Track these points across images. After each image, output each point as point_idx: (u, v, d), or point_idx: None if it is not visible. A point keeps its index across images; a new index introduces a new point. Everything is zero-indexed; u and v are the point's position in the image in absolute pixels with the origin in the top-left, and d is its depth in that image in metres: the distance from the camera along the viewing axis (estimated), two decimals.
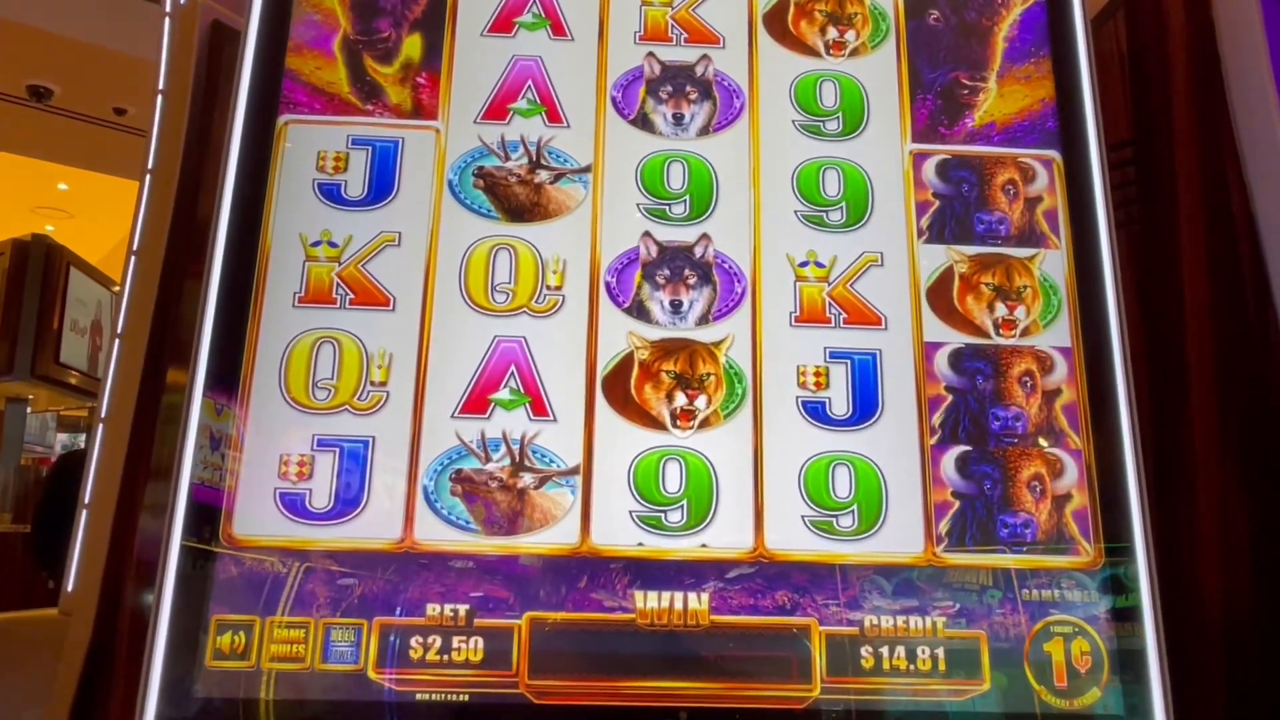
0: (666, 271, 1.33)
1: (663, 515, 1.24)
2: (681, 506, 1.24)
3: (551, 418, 1.27)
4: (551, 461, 1.25)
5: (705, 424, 1.28)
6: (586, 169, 1.37)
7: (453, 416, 1.26)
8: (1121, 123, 1.57)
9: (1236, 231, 1.44)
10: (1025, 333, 1.34)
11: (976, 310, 1.35)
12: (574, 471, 1.25)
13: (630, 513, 1.24)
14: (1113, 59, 1.62)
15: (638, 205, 1.37)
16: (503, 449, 1.25)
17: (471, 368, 1.28)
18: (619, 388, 1.29)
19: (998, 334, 1.34)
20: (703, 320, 1.32)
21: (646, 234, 1.35)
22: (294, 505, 1.22)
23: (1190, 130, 1.50)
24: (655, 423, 1.27)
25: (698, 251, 1.35)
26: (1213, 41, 1.50)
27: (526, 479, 1.24)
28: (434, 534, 1.22)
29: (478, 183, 1.36)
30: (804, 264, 1.35)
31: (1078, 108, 1.41)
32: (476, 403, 1.27)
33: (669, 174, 1.38)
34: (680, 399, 1.27)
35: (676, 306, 1.31)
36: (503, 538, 1.22)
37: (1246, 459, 1.39)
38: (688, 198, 1.37)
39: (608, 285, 1.33)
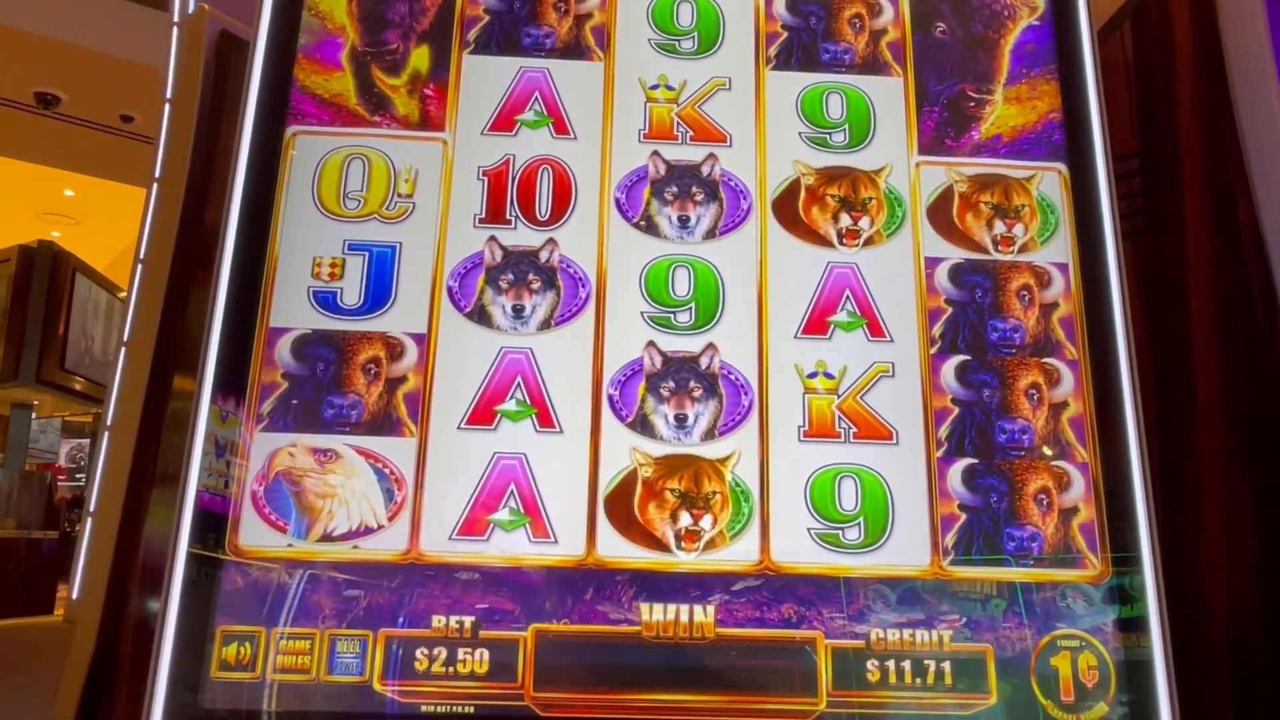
0: (671, 384, 1.30)
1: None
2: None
3: (552, 539, 1.24)
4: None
5: (711, 545, 1.24)
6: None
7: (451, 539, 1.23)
8: (1128, 134, 1.58)
9: (1243, 242, 1.44)
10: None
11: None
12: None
13: None
14: (1119, 70, 1.62)
15: (642, 313, 1.33)
16: None
17: (469, 488, 1.25)
18: (622, 508, 1.25)
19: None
20: (709, 435, 1.29)
21: (651, 343, 1.31)
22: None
23: (1196, 141, 1.51)
24: (660, 544, 1.24)
25: (703, 362, 1.31)
26: (1219, 52, 1.50)
27: None
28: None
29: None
30: (813, 375, 1.32)
31: (1084, 120, 1.41)
32: (473, 525, 1.23)
33: (674, 280, 1.35)
34: (685, 518, 1.25)
35: (681, 421, 1.28)
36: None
37: (1253, 470, 1.38)
38: (693, 305, 1.34)
39: (610, 398, 1.29)
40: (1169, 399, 1.45)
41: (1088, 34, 1.45)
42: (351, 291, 1.32)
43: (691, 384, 1.29)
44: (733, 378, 1.30)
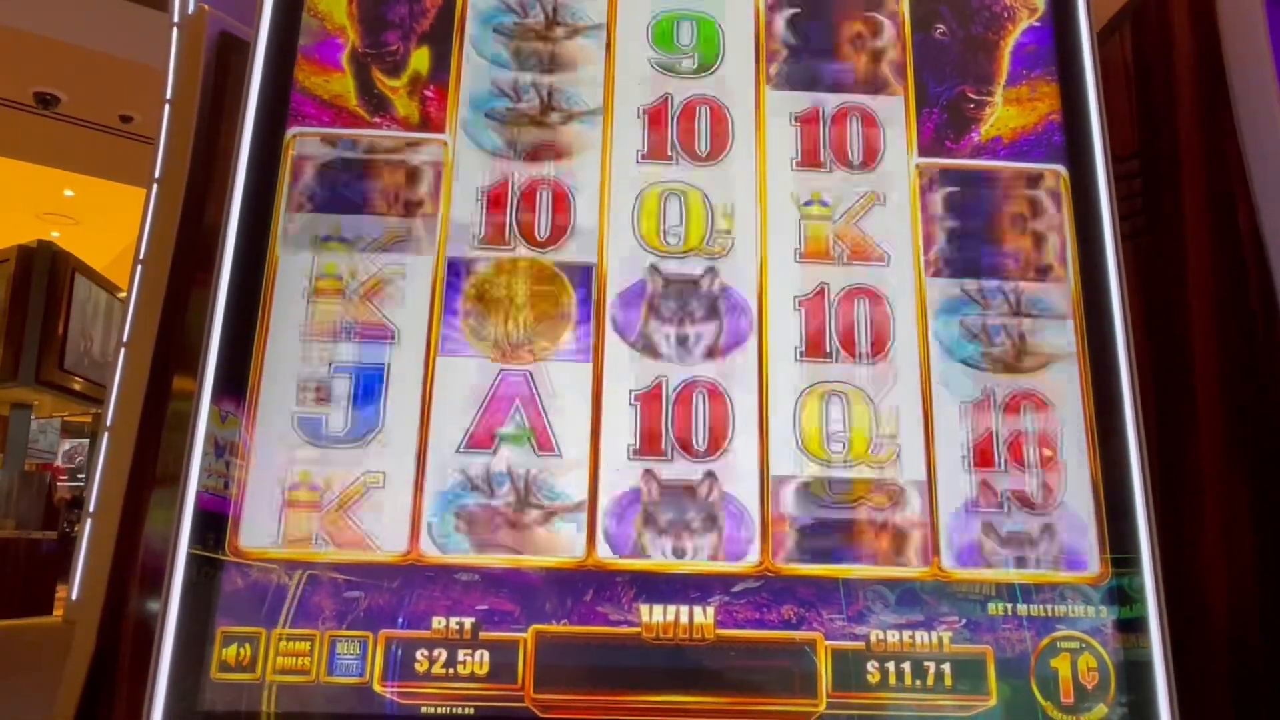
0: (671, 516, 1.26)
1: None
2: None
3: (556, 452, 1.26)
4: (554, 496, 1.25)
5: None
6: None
7: (457, 452, 1.25)
8: (1127, 135, 1.58)
9: (1243, 244, 1.44)
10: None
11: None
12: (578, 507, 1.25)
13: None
14: (1118, 72, 1.62)
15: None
16: (508, 484, 1.25)
17: (474, 410, 1.27)
18: None
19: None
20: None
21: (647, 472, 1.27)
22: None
23: (1196, 143, 1.51)
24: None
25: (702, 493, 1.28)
26: (1218, 54, 1.50)
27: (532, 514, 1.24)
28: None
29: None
30: None
31: (1084, 122, 1.41)
32: (483, 438, 1.26)
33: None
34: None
35: (680, 553, 1.24)
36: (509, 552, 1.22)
37: (1253, 471, 1.39)
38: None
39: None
40: (1168, 400, 1.45)
41: (1087, 35, 1.45)
42: None
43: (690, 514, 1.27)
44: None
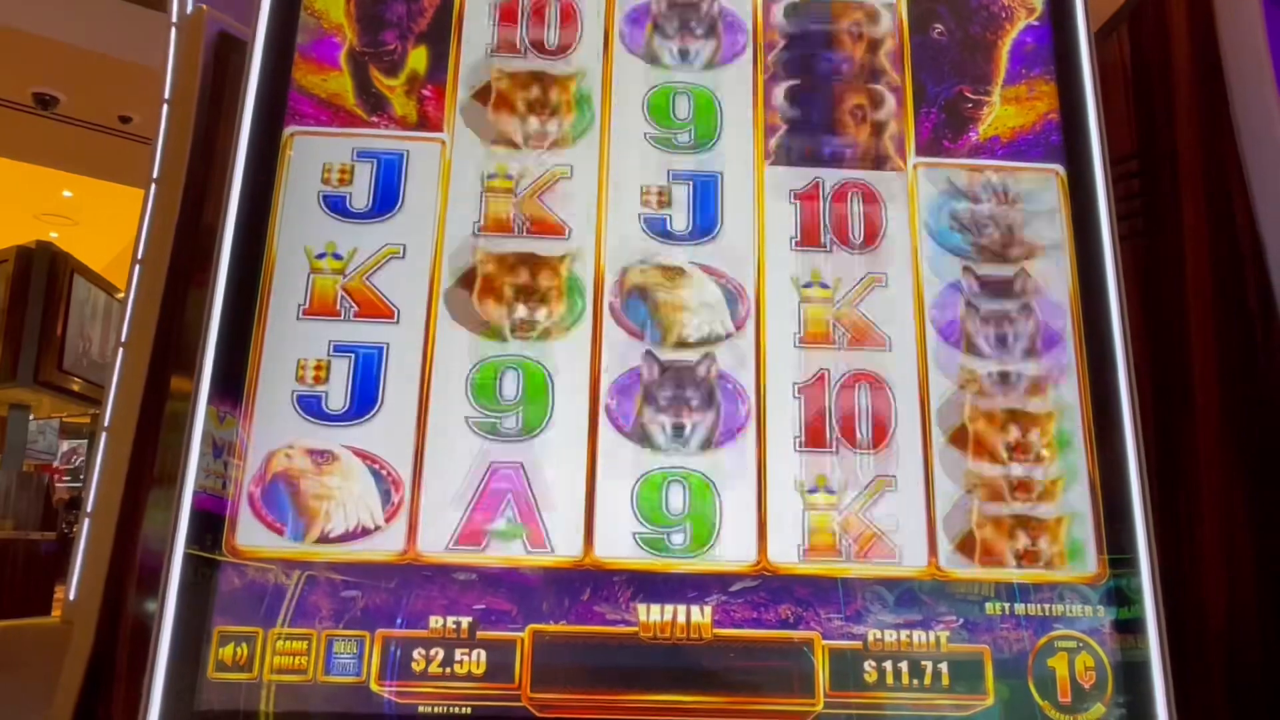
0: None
1: (665, 537, 1.23)
2: (684, 529, 1.24)
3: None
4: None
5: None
6: None
7: (447, 548, 1.23)
8: (1125, 136, 1.58)
9: (1241, 244, 1.44)
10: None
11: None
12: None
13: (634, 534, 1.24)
14: (1116, 72, 1.62)
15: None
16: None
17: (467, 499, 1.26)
18: None
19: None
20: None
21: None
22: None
23: (1194, 143, 1.51)
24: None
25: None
26: (1216, 55, 1.50)
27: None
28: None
29: None
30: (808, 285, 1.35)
31: (1081, 123, 1.41)
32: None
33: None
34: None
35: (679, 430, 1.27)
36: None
37: (1251, 471, 1.39)
38: None
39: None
40: (1166, 400, 1.45)
41: (1085, 35, 1.45)
42: None
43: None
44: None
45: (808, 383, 1.31)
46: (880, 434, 1.29)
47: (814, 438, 1.29)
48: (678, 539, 1.23)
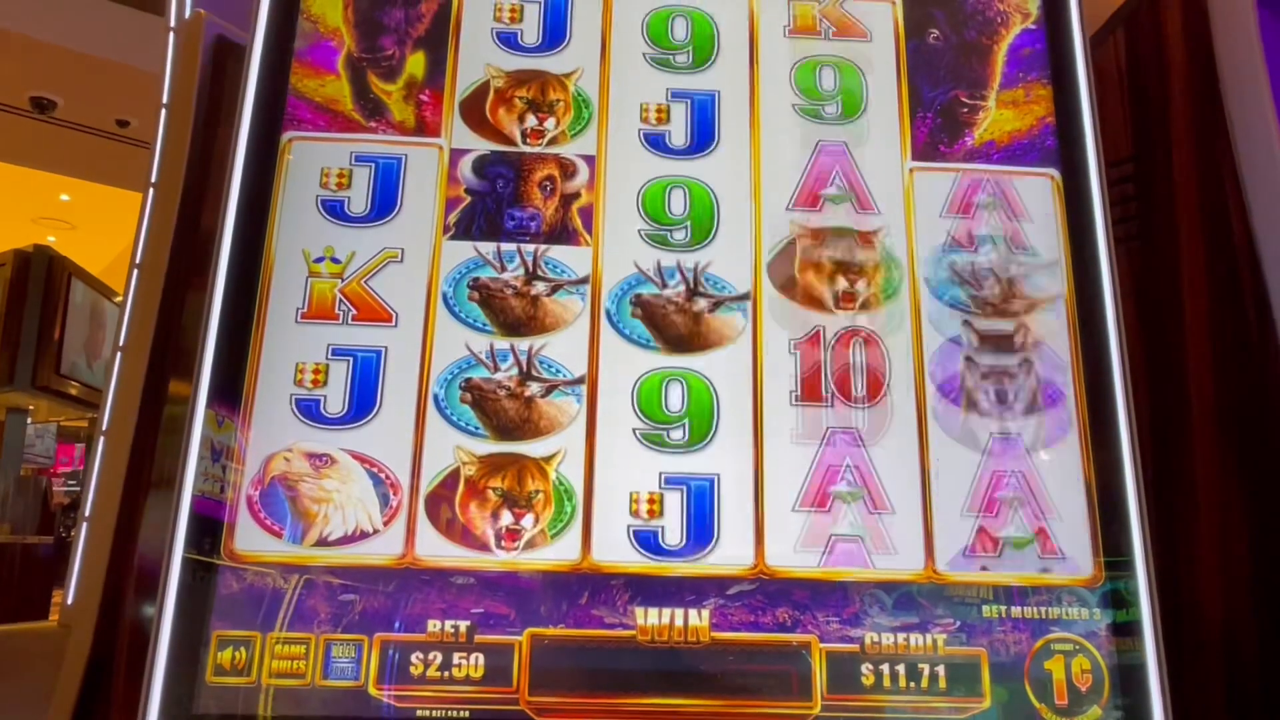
0: None
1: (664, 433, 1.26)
2: (684, 425, 1.28)
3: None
4: (558, 372, 1.28)
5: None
6: (580, 380, 1.30)
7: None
8: (1120, 140, 1.58)
9: (1236, 248, 1.45)
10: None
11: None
12: (579, 381, 1.28)
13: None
14: (1112, 76, 1.63)
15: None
16: (510, 359, 1.28)
17: None
18: None
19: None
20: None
21: None
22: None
23: (1189, 147, 1.51)
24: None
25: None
26: (1211, 59, 1.51)
27: (534, 388, 1.28)
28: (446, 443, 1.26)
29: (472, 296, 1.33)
30: None
31: (1077, 127, 1.42)
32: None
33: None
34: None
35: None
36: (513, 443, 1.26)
37: (1247, 473, 1.39)
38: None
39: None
40: (1162, 404, 1.45)
41: (1080, 40, 1.46)
42: None
43: None
44: None
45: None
46: (876, 389, 1.32)
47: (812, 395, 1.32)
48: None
